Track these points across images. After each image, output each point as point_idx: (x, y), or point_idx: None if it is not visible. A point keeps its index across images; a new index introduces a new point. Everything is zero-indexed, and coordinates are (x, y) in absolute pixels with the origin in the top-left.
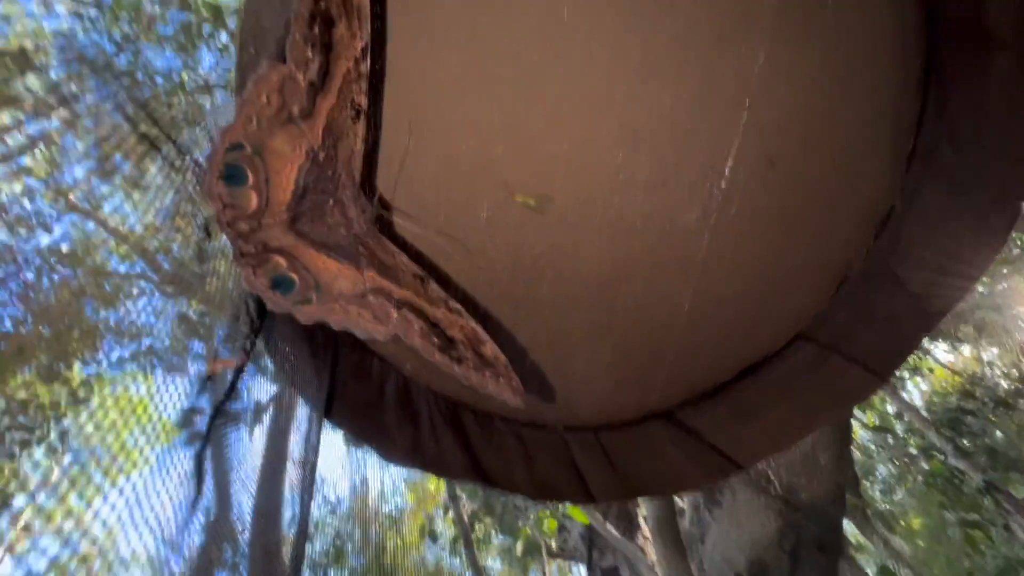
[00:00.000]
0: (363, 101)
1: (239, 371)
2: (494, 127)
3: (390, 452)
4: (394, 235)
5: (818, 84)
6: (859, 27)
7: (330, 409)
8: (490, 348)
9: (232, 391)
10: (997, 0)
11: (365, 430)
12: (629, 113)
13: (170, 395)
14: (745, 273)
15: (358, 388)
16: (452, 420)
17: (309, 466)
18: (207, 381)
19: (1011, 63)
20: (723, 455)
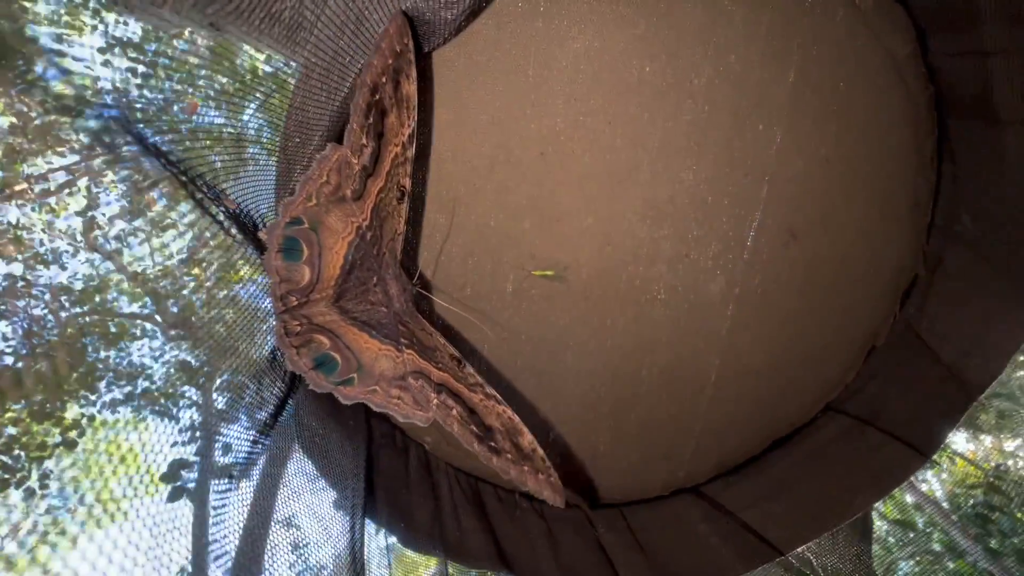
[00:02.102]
0: (407, 183)
1: (258, 441)
2: (522, 204)
3: (412, 535)
4: (422, 309)
5: (833, 160)
6: (870, 107)
7: (371, 484)
8: (527, 440)
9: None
10: (1003, 80)
11: (394, 509)
12: (652, 189)
13: (160, 444)
14: (770, 343)
15: (389, 458)
16: (473, 497)
17: (358, 562)
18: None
19: (1021, 137)
20: (759, 536)
